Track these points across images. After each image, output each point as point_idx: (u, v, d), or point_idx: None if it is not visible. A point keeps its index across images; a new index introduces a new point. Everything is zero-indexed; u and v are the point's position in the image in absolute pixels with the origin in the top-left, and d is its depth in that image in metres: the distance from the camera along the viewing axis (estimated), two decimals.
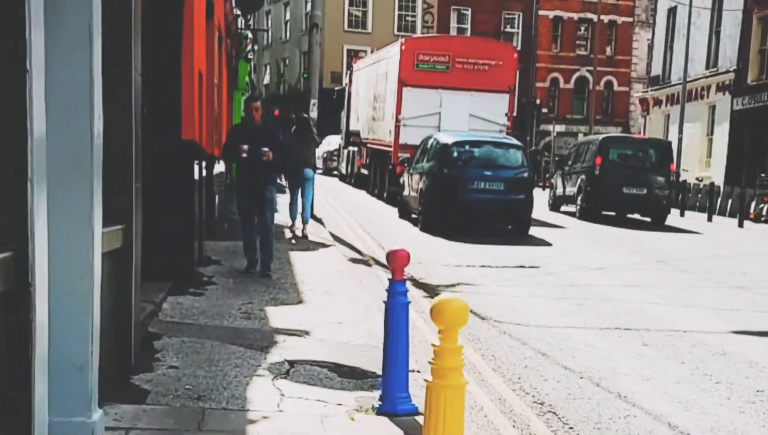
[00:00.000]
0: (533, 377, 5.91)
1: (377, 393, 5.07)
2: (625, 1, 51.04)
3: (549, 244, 13.56)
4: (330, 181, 28.23)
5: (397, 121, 18.99)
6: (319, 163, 32.51)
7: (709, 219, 19.69)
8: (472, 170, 14.18)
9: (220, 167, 11.99)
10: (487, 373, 5.98)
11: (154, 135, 7.76)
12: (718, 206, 20.67)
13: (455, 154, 14.44)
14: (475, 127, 18.38)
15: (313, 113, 15.73)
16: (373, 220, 16.13)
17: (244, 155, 8.69)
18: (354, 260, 11.03)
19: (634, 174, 17.68)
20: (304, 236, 12.59)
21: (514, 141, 15.57)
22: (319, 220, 14.99)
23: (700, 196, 22.97)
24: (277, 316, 7.16)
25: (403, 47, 18.85)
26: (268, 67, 54.69)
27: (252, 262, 9.12)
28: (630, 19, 51.43)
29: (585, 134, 48.72)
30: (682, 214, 21.28)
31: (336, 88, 31.98)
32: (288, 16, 51.27)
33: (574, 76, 50.45)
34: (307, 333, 6.63)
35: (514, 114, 19.57)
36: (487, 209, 14.16)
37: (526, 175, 14.35)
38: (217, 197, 11.84)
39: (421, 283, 9.60)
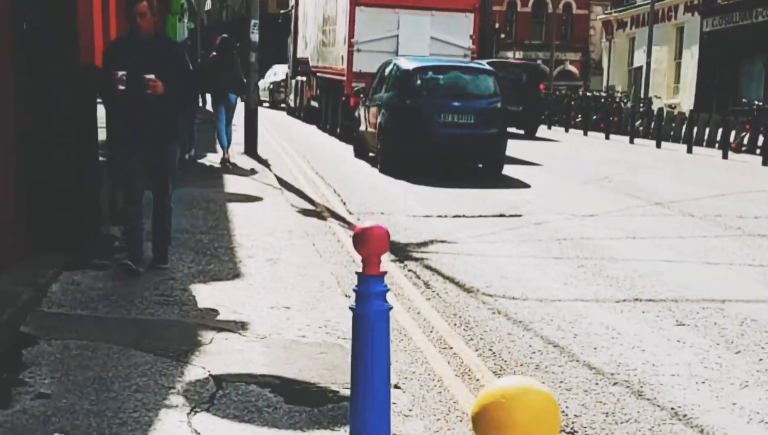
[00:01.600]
0: (550, 386, 4.34)
1: (343, 432, 3.47)
2: None
3: (527, 186, 11.98)
4: (277, 115, 26.17)
5: (350, 45, 17.01)
6: (265, 95, 30.31)
7: (689, 150, 18.33)
8: (438, 101, 12.42)
9: None
10: (489, 380, 4.39)
11: (42, 59, 5.96)
12: (694, 135, 19.32)
13: (418, 82, 12.63)
14: (437, 52, 16.51)
15: (254, 36, 13.69)
16: (326, 161, 14.34)
17: (122, 87, 5.56)
18: (305, 212, 9.30)
19: (513, 93, 17.60)
20: (225, 163, 12.29)
21: (485, 66, 13.81)
22: (264, 162, 13.14)
23: (674, 124, 21.58)
24: (206, 298, 5.45)
25: None
26: None
27: (134, 253, 5.88)
28: None
29: (543, 61, 47.12)
30: (658, 145, 19.90)
31: (281, 12, 29.54)
32: None
33: None
34: (243, 326, 4.94)
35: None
36: (455, 146, 12.47)
37: (499, 105, 12.64)
38: None
39: None
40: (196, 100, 12.62)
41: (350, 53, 17.04)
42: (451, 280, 6.47)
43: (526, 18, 48.62)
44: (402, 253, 7.42)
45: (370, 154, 14.37)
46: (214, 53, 13.04)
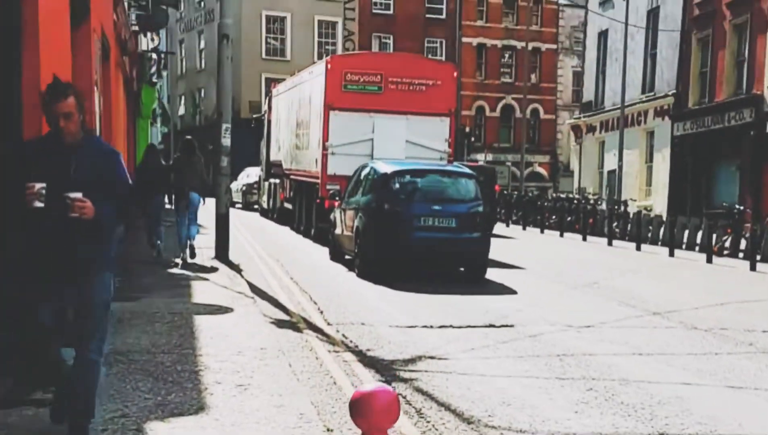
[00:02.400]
0: None
1: None
2: (549, 28, 50.45)
3: (514, 292, 11.36)
4: (250, 217, 25.57)
5: (324, 149, 16.62)
6: (238, 197, 29.80)
7: (671, 253, 17.97)
8: (418, 205, 11.90)
9: None
10: None
11: None
12: (660, 239, 19.02)
13: (397, 185, 12.14)
14: (413, 155, 16.18)
15: (226, 140, 13.19)
16: (301, 264, 13.64)
17: (39, 204, 4.08)
18: (279, 323, 8.53)
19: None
20: (185, 262, 12.33)
21: (465, 169, 13.40)
22: (236, 267, 12.40)
23: (651, 227, 21.34)
24: None
25: (329, 66, 16.54)
26: (183, 97, 51.62)
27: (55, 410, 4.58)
28: (554, 46, 50.87)
29: (512, 163, 47.57)
30: (638, 248, 19.53)
31: (254, 116, 29.41)
32: (203, 45, 48.47)
33: (500, 104, 49.37)
34: None
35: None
36: (436, 250, 11.87)
37: (480, 209, 12.14)
38: None
39: (369, 357, 7.20)
40: (154, 201, 13.25)
41: (324, 156, 16.64)
42: (447, 408, 5.71)
43: (495, 122, 49.41)
44: (388, 371, 6.67)
45: (347, 257, 13.75)
46: (177, 154, 13.63)
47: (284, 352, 6.96)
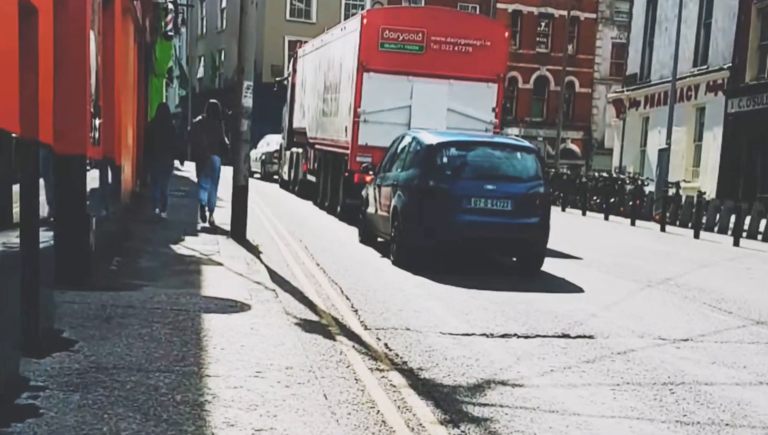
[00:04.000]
0: None
1: None
2: None
3: (580, 289, 9.70)
4: (269, 189, 23.99)
5: (356, 115, 14.93)
6: (257, 166, 28.20)
7: (736, 243, 16.20)
8: (469, 183, 10.23)
9: (94, 175, 7.75)
10: None
11: None
12: (716, 224, 17.22)
13: (444, 159, 10.44)
14: (455, 125, 14.46)
15: (247, 100, 11.53)
16: (327, 247, 12.05)
17: None
18: (307, 326, 6.95)
19: None
20: (212, 224, 12.53)
21: (525, 142, 11.66)
22: (254, 249, 10.82)
23: (706, 212, 19.52)
24: None
25: (365, 20, 14.77)
26: (203, 59, 49.94)
27: None
28: (593, 16, 48.51)
29: (544, 139, 45.62)
30: (696, 236, 17.76)
31: (277, 79, 27.67)
32: (224, 3, 46.66)
33: (534, 76, 47.26)
34: None
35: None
36: (487, 236, 10.23)
37: (542, 190, 10.45)
38: (93, 220, 7.63)
39: (423, 380, 5.61)
40: (171, 156, 13.39)
41: (356, 124, 14.96)
42: None
43: (528, 95, 47.35)
44: (452, 406, 5.08)
45: (379, 240, 12.18)
46: (200, 117, 13.25)
47: (316, 373, 5.37)
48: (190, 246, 10.33)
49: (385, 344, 6.54)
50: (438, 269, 10.11)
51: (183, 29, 25.90)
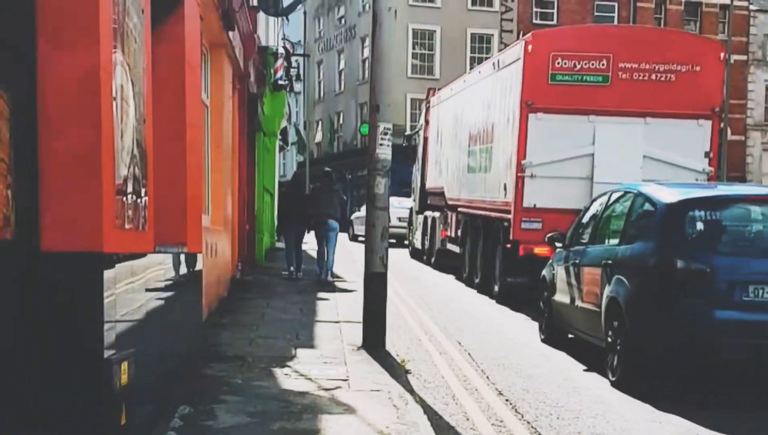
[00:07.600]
0: None
1: None
2: (738, 36, 43.16)
3: None
4: (398, 258, 20.60)
5: (520, 169, 11.37)
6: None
7: None
8: (741, 261, 6.43)
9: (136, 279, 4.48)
10: None
11: None
12: None
13: (697, 226, 6.68)
14: (653, 177, 10.60)
15: (383, 149, 8.10)
16: (501, 354, 8.39)
17: None
18: None
19: None
20: (329, 283, 13.06)
21: None
22: (399, 369, 7.27)
23: None
24: None
25: (530, 47, 11.23)
26: (321, 123, 48.05)
27: None
28: (744, 57, 43.53)
29: None
30: None
31: (405, 133, 24.53)
32: (342, 65, 44.74)
33: None
34: None
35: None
36: None
37: None
38: (123, 365, 4.34)
39: None
40: (303, 225, 13.83)
41: (519, 180, 11.39)
42: None
43: None
44: None
45: (570, 336, 8.53)
46: (316, 183, 14.02)
47: None
48: (303, 369, 6.81)
49: None
50: (697, 399, 6.31)
51: (298, 86, 23.27)
